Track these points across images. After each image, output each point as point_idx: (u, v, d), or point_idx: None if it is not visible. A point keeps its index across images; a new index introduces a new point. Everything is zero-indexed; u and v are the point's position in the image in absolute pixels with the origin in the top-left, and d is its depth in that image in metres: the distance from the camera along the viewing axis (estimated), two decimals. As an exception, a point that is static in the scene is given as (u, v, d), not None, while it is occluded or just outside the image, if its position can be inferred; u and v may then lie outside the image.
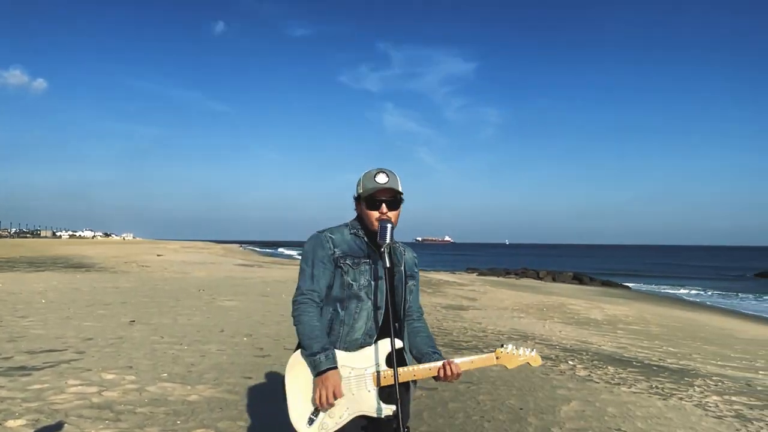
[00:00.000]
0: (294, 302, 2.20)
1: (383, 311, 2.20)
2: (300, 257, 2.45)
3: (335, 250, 2.21)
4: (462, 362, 2.19)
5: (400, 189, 2.22)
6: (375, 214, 2.20)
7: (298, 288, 2.22)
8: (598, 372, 6.92)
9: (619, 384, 6.29)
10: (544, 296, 21.25)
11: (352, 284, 2.19)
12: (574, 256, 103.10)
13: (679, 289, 32.93)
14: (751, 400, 5.99)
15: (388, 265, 2.11)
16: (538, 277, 39.46)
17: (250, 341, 7.52)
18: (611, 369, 7.20)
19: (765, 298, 28.53)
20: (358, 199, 2.29)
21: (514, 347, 2.26)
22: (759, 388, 6.83)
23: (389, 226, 2.13)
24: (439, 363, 2.18)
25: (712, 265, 65.73)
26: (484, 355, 2.25)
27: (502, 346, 2.27)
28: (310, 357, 2.12)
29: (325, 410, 2.10)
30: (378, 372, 2.16)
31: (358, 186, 2.29)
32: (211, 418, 4.26)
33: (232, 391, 5.04)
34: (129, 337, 7.43)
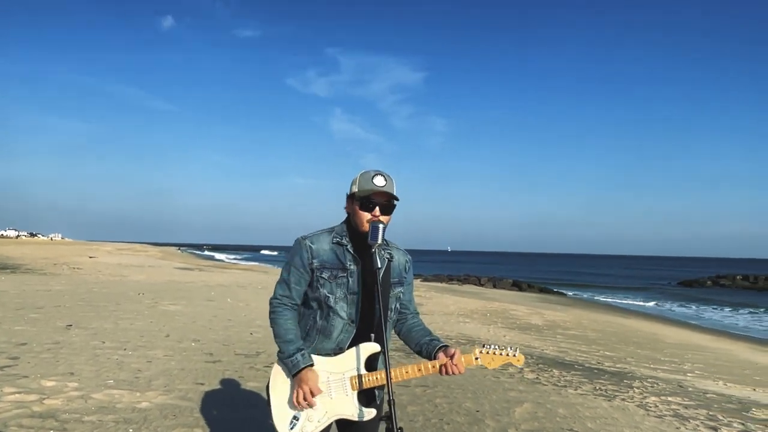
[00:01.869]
0: (270, 304, 2.28)
1: (357, 325, 2.21)
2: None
3: (313, 260, 2.21)
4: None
5: (396, 194, 2.19)
6: (367, 215, 2.17)
7: (274, 291, 2.28)
8: (545, 375, 7.17)
9: (565, 386, 6.54)
10: (486, 302, 21.78)
11: (328, 297, 2.20)
12: (511, 264, 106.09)
13: (610, 297, 34.58)
14: (685, 400, 6.39)
15: (379, 265, 2.10)
16: (480, 284, 40.51)
17: (198, 346, 7.28)
18: (556, 372, 7.48)
19: (688, 305, 30.48)
20: (351, 197, 2.24)
21: (496, 347, 2.23)
22: (690, 389, 7.28)
23: (381, 226, 2.12)
24: (420, 363, 2.21)
25: (638, 275, 69.25)
26: (463, 355, 2.23)
27: (483, 346, 2.24)
28: (286, 359, 2.15)
29: (304, 410, 2.12)
30: (358, 376, 2.17)
31: (353, 184, 2.23)
32: (165, 426, 4.10)
33: (185, 397, 4.86)
34: (67, 342, 7.02)
